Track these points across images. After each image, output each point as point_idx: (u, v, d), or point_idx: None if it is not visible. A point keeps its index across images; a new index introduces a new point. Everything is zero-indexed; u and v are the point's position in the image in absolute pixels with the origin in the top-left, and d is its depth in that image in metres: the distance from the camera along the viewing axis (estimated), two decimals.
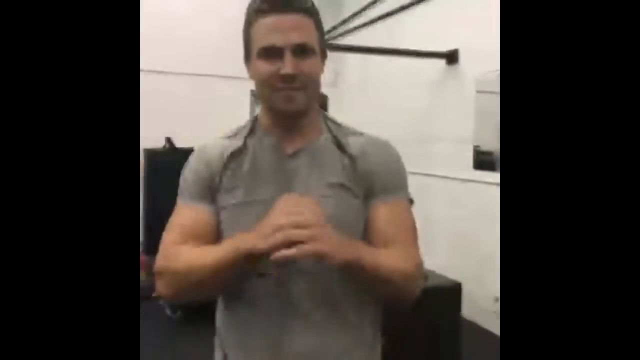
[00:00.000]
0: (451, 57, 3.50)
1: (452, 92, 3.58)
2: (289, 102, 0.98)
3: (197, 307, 3.74)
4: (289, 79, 0.96)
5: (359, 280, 0.98)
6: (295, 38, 0.95)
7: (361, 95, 4.74)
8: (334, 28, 3.52)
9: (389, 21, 3.13)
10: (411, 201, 1.11)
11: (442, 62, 3.58)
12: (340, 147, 1.04)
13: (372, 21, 3.16)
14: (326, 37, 3.73)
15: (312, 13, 1.00)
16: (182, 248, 0.98)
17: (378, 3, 3.75)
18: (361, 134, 1.08)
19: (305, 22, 0.98)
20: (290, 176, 1.02)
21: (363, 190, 1.03)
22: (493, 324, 3.05)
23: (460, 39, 3.46)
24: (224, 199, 1.03)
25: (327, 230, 0.88)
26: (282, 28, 0.95)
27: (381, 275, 0.95)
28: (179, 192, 1.07)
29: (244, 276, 0.99)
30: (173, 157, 4.28)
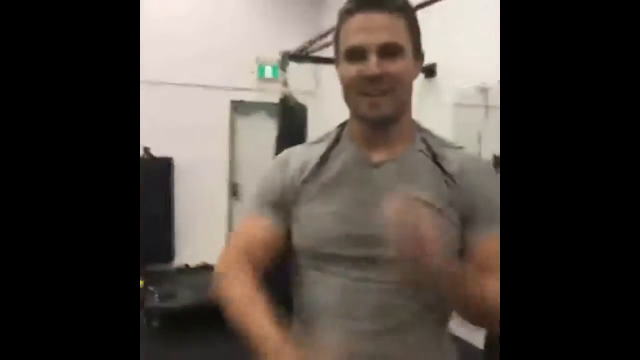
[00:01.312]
0: (429, 71, 3.56)
1: (430, 105, 3.63)
2: (374, 108, 0.91)
3: (173, 317, 3.72)
4: (373, 80, 0.89)
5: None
6: (381, 38, 0.88)
7: (340, 107, 4.76)
8: (318, 39, 3.57)
9: None
10: None
11: (420, 76, 3.64)
12: (437, 161, 0.94)
13: None
14: (307, 49, 3.73)
15: (405, 12, 0.92)
16: (236, 277, 0.95)
17: None
18: (458, 147, 0.98)
19: (395, 21, 0.90)
20: (372, 188, 0.93)
21: (460, 215, 0.92)
22: (474, 337, 3.06)
23: (438, 54, 3.52)
24: (299, 210, 0.98)
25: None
26: (367, 28, 0.89)
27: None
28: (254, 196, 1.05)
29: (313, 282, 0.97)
30: (150, 166, 4.24)
